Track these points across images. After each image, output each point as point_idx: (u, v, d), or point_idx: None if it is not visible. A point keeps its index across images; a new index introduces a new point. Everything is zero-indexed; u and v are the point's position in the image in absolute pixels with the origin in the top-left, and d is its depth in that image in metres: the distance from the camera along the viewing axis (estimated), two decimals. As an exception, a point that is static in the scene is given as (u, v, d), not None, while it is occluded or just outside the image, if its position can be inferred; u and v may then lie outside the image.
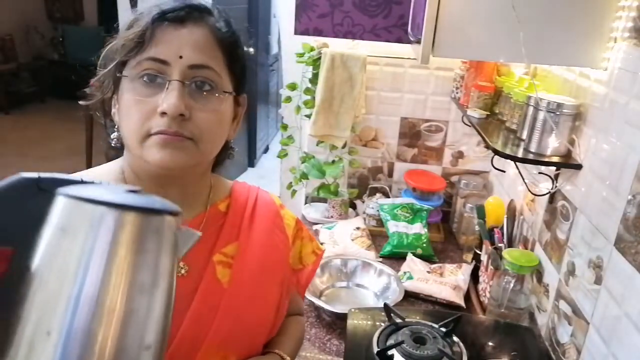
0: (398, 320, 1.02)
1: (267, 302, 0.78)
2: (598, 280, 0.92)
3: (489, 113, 1.43)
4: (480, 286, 1.36)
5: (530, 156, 1.07)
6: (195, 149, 0.67)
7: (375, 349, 0.94)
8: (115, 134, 0.72)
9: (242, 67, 0.74)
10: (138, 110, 0.66)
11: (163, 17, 0.66)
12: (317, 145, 1.84)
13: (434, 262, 1.53)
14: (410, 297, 1.36)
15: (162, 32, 0.66)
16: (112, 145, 0.74)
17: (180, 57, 0.65)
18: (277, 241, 0.82)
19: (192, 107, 0.66)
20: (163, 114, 0.64)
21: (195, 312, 0.70)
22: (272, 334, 0.81)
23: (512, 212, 1.37)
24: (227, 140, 0.77)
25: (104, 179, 0.67)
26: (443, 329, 1.00)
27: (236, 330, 0.73)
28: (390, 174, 1.89)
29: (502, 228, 1.36)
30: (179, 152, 0.66)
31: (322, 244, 1.61)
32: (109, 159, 0.77)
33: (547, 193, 1.15)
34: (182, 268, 0.72)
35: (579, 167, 1.03)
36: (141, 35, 0.65)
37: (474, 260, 1.46)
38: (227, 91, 0.70)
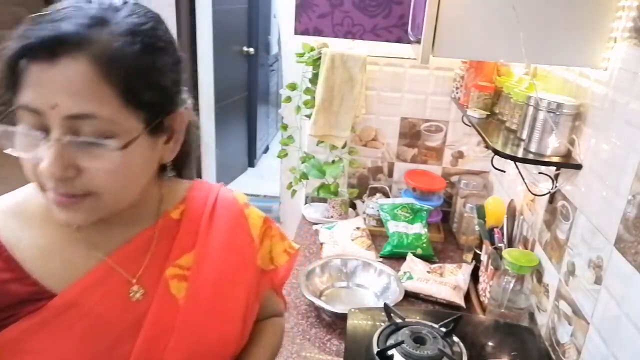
0: (398, 320, 1.02)
1: (230, 313, 0.70)
2: (598, 280, 0.92)
3: (489, 113, 1.43)
4: (480, 286, 1.36)
5: (530, 156, 1.07)
6: (97, 204, 0.57)
7: (375, 349, 0.94)
8: None
9: (161, 88, 0.59)
10: (25, 163, 0.55)
11: (24, 55, 0.51)
12: (317, 145, 1.84)
13: (434, 262, 1.53)
14: (410, 297, 1.36)
15: (29, 73, 0.52)
16: None
17: (53, 106, 0.51)
18: (241, 244, 0.74)
19: (80, 164, 0.54)
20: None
21: (147, 337, 0.62)
22: (241, 345, 0.74)
23: (512, 212, 1.37)
24: (162, 163, 0.66)
25: (31, 204, 0.62)
26: (443, 329, 1.00)
27: (196, 350, 0.65)
28: (390, 174, 1.89)
29: (502, 228, 1.36)
30: (77, 212, 0.56)
31: (322, 243, 1.62)
32: None
33: (547, 193, 1.15)
34: (136, 292, 0.64)
35: (579, 167, 1.03)
36: (6, 78, 0.52)
37: (474, 260, 1.46)
38: (128, 140, 0.55)
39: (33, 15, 0.53)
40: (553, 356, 1.07)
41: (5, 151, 0.54)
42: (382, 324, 1.03)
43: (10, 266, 0.59)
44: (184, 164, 0.75)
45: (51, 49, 0.51)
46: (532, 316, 1.21)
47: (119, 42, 0.54)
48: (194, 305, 0.66)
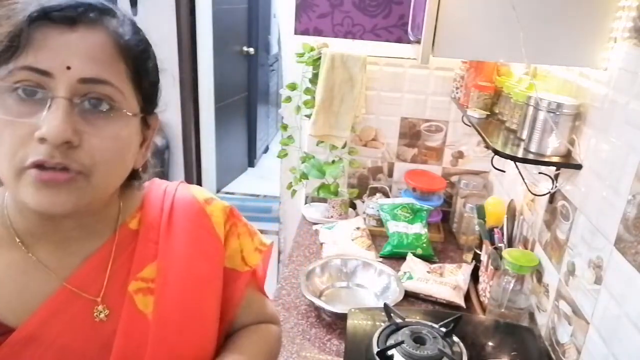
0: (398, 320, 1.02)
1: (204, 322, 0.66)
2: (598, 280, 0.92)
3: (489, 113, 1.43)
4: (480, 286, 1.36)
5: (530, 156, 1.07)
6: (86, 186, 0.54)
7: (375, 349, 0.94)
8: None
9: (153, 83, 0.61)
10: (9, 134, 0.50)
11: (44, 16, 0.51)
12: (317, 145, 1.84)
13: (434, 262, 1.53)
14: (410, 297, 1.36)
15: (44, 35, 0.51)
16: None
17: (68, 67, 0.51)
18: (206, 247, 0.69)
19: (82, 132, 0.52)
20: (42, 139, 0.50)
21: (118, 358, 0.58)
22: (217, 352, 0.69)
23: (512, 212, 1.37)
24: (134, 168, 0.63)
25: None
26: (443, 329, 1.00)
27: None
28: (390, 174, 1.89)
29: (502, 228, 1.36)
30: (62, 193, 0.52)
31: (322, 243, 1.61)
32: None
33: (547, 193, 1.15)
34: (101, 312, 0.60)
35: (579, 167, 1.03)
36: (13, 37, 0.50)
37: (474, 260, 1.46)
38: (132, 112, 0.57)
39: None
40: (553, 356, 1.07)
41: None
42: (382, 324, 1.03)
43: None
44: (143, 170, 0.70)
45: (74, 15, 0.52)
46: (532, 316, 1.21)
47: (128, 27, 0.57)
48: (163, 319, 0.62)
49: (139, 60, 0.58)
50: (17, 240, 0.58)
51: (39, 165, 0.50)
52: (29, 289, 0.57)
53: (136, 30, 0.59)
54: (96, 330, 0.59)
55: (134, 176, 0.65)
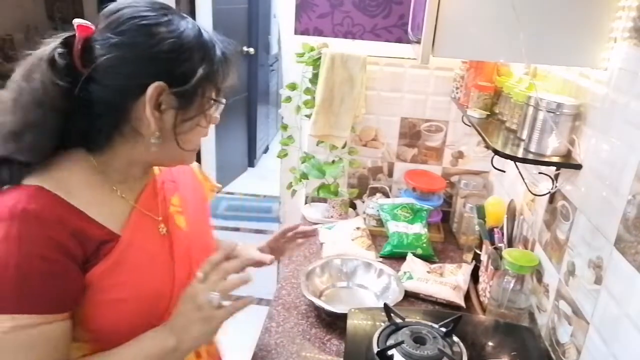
0: (398, 320, 1.02)
1: (209, 227, 1.00)
2: (598, 280, 0.92)
3: (489, 113, 1.43)
4: (480, 286, 1.36)
5: (530, 156, 1.07)
6: None
7: (375, 349, 0.94)
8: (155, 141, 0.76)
9: None
10: (203, 129, 0.81)
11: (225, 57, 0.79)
12: (317, 145, 1.84)
13: (434, 262, 1.53)
14: (410, 297, 1.36)
15: (232, 65, 0.81)
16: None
17: None
18: (196, 184, 1.00)
19: None
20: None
21: (179, 258, 0.85)
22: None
23: (512, 212, 1.37)
24: None
25: (71, 180, 0.74)
26: (443, 329, 1.00)
27: (203, 258, 0.84)
28: (390, 174, 1.89)
29: (502, 228, 1.36)
30: None
31: (322, 243, 1.62)
32: None
33: (547, 193, 1.15)
34: (163, 228, 0.85)
35: (578, 167, 1.03)
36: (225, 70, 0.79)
37: (474, 260, 1.46)
38: None
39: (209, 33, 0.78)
40: (553, 356, 1.07)
41: (215, 117, 0.82)
42: (382, 324, 1.03)
43: (84, 217, 0.72)
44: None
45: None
46: (532, 316, 1.21)
47: None
48: (192, 230, 0.90)
49: None
50: (110, 185, 0.80)
51: None
52: (116, 210, 0.79)
53: None
54: (162, 241, 0.84)
55: None
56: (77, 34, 0.72)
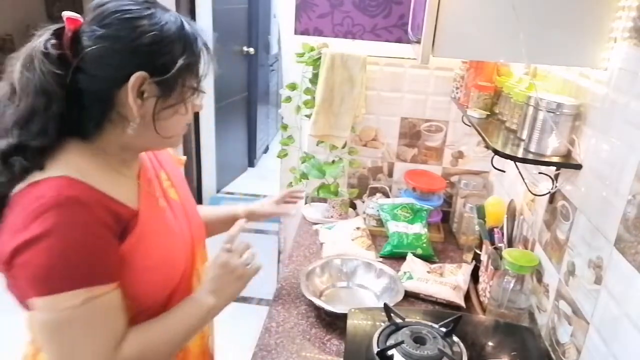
0: (398, 320, 1.02)
1: (192, 197, 1.06)
2: (598, 280, 0.92)
3: (489, 113, 1.43)
4: (480, 286, 1.36)
5: (530, 156, 1.07)
6: None
7: (375, 349, 0.94)
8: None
9: None
10: (186, 117, 0.85)
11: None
12: (317, 145, 1.84)
13: (434, 262, 1.53)
14: (410, 297, 1.36)
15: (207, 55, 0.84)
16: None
17: None
18: (171, 158, 1.06)
19: None
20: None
21: (186, 223, 0.96)
22: None
23: (512, 212, 1.37)
24: None
25: (90, 168, 0.79)
26: (443, 329, 1.00)
27: (197, 221, 1.01)
28: (390, 174, 1.89)
29: (502, 228, 1.36)
30: None
31: (322, 243, 1.62)
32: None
33: (547, 193, 1.15)
34: (162, 202, 0.92)
35: (578, 167, 1.03)
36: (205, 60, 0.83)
37: (474, 260, 1.46)
38: None
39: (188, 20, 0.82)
40: (553, 356, 1.07)
41: (197, 104, 0.87)
42: (382, 324, 1.03)
43: (111, 199, 0.78)
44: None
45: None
46: (532, 316, 1.21)
47: None
48: (184, 201, 0.99)
49: None
50: (112, 167, 0.84)
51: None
52: (127, 189, 0.84)
53: None
54: (165, 213, 0.91)
55: None
56: (66, 26, 0.76)
